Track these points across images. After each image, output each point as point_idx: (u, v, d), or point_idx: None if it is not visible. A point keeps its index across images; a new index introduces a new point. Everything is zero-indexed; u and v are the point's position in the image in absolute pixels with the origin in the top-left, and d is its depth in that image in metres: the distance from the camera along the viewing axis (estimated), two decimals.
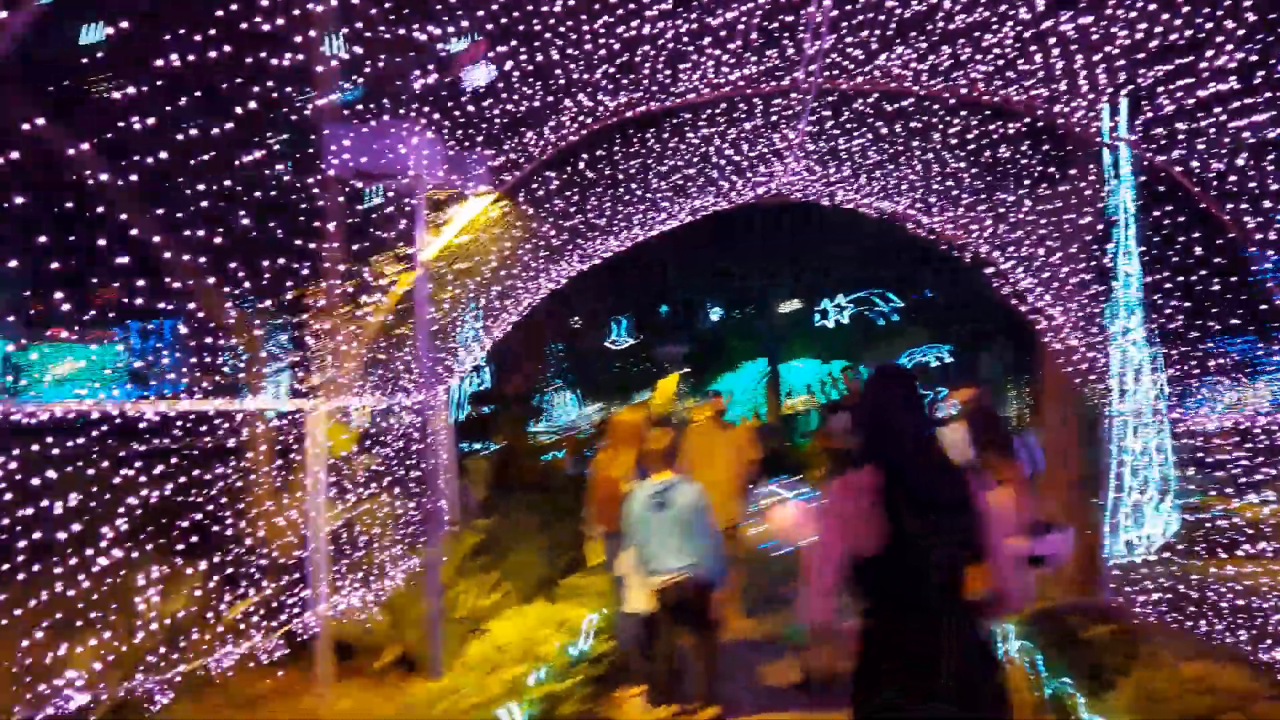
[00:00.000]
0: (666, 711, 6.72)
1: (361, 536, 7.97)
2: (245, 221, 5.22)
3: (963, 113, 6.29)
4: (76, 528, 5.12)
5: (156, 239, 5.31)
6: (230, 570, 7.80)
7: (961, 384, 6.63)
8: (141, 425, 5.75)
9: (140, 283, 5.44)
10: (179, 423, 6.19)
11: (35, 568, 5.33)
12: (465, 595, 7.95)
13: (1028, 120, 6.21)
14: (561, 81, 5.57)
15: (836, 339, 33.23)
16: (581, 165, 6.72)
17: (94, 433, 5.33)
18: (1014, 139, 6.54)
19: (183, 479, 8.22)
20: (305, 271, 5.70)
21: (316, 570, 6.43)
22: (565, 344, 30.18)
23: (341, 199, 5.50)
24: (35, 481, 5.01)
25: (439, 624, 6.85)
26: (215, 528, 7.59)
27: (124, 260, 4.99)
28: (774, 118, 6.86)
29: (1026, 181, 6.99)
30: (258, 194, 5.28)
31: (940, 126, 6.64)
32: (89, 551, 5.40)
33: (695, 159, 7.45)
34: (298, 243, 5.52)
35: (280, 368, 8.21)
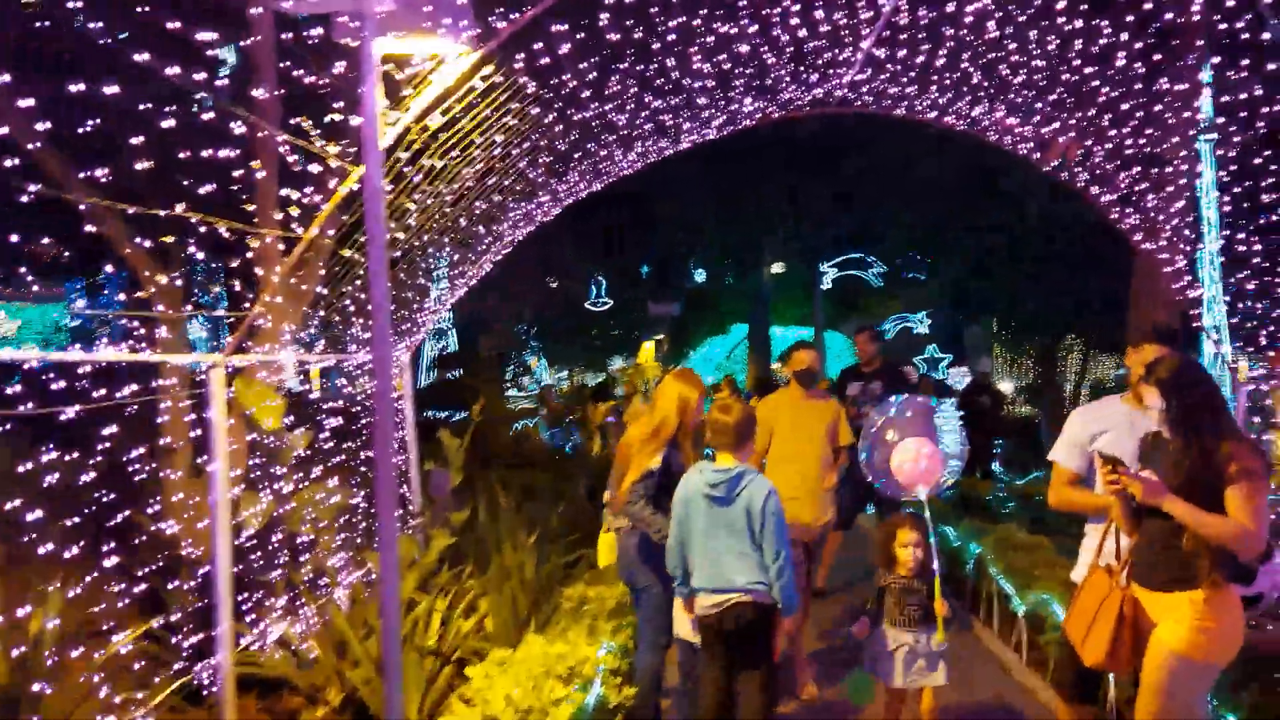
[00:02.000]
0: None
1: (296, 539, 5.98)
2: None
3: None
4: None
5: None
6: (120, 587, 5.78)
7: (1141, 338, 4.60)
8: None
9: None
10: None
11: None
12: (434, 617, 5.99)
13: None
14: None
15: (825, 303, 31.47)
16: (603, 20, 4.67)
17: None
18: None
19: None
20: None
21: (220, 590, 4.45)
22: (541, 303, 28.09)
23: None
24: None
25: (397, 659, 4.85)
26: (91, 526, 5.57)
27: None
28: None
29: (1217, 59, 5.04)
30: None
31: None
32: None
33: (752, 31, 5.44)
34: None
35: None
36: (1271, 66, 4.78)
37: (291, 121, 4.41)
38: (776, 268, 29.70)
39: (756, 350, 30.25)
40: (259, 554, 5.68)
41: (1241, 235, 5.83)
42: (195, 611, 5.41)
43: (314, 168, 4.07)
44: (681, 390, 5.38)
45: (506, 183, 5.68)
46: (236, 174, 3.73)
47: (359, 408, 6.82)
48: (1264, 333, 6.58)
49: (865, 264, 33.10)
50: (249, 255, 4.23)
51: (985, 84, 6.21)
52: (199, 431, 6.72)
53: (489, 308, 21.57)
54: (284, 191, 4.32)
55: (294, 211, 4.21)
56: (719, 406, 4.79)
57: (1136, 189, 6.55)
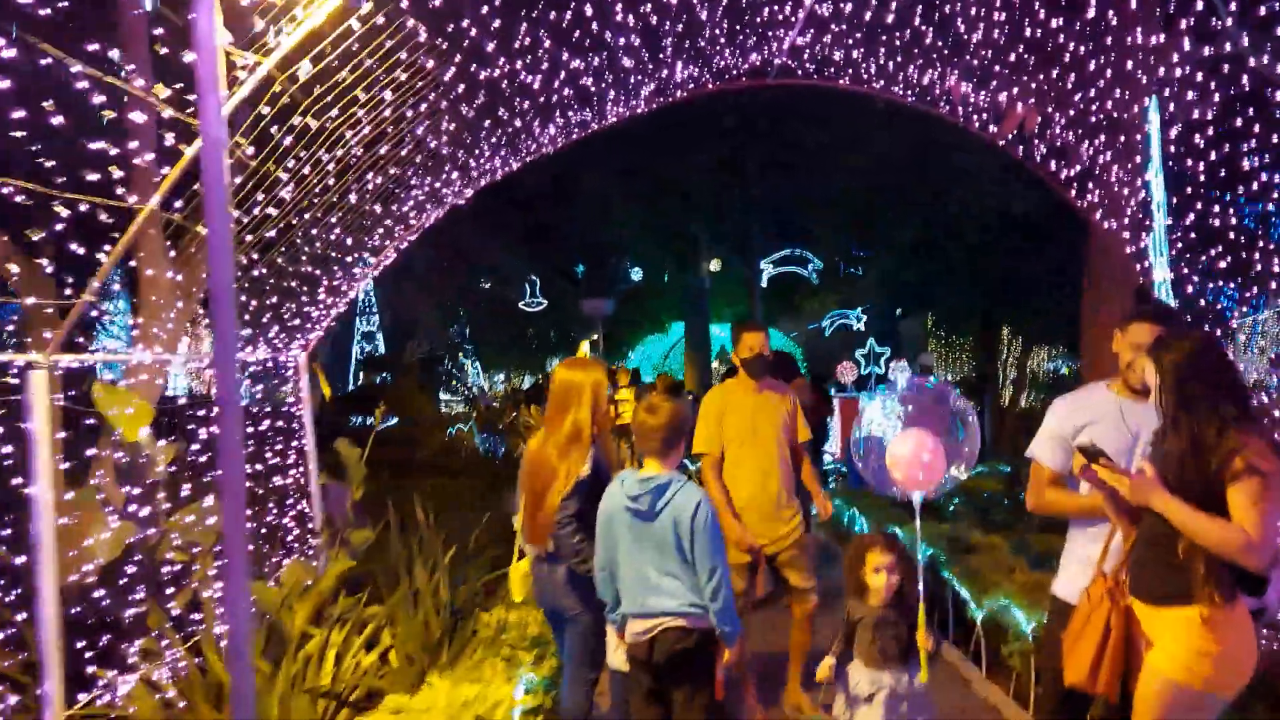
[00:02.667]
0: None
1: (162, 567, 5.16)
2: None
3: None
4: None
5: None
6: None
7: (1132, 318, 3.99)
8: None
9: None
10: None
11: None
12: (329, 653, 5.22)
13: None
14: None
15: (762, 302, 31.06)
16: None
17: None
18: None
19: None
20: None
21: (45, 638, 3.64)
22: (473, 304, 27.17)
23: None
24: None
25: (250, 703, 4.12)
26: None
27: None
28: None
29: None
30: None
31: None
32: None
33: None
34: None
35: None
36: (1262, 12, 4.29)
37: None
38: (714, 265, 29.17)
39: (694, 348, 29.69)
40: (116, 587, 4.85)
41: (1217, 208, 5.32)
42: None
43: (163, 126, 3.30)
44: (585, 378, 4.62)
45: (404, 152, 4.93)
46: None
47: (247, 414, 6.00)
48: (1236, 314, 6.11)
49: (803, 260, 32.81)
50: (59, 229, 3.44)
51: (939, 44, 5.63)
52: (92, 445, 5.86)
53: (420, 309, 20.63)
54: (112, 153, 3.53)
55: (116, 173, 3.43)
56: (645, 406, 4.10)
57: (1100, 160, 6.03)
